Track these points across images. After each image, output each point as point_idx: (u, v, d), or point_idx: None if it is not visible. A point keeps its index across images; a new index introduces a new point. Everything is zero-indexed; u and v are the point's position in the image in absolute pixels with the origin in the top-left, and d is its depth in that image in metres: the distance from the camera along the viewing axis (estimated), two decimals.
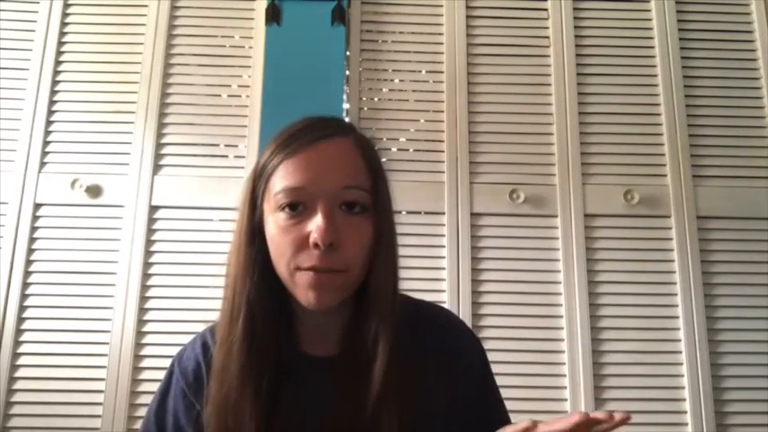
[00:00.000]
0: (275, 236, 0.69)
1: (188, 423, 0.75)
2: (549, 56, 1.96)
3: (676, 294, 1.80)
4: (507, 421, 0.77)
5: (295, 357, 0.73)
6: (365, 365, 0.69)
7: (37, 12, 1.93)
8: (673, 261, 1.82)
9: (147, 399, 1.68)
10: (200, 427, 0.72)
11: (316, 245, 0.65)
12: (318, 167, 0.68)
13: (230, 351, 0.69)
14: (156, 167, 1.84)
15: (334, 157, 0.69)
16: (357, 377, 0.69)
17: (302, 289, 0.68)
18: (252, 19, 1.96)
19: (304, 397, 0.72)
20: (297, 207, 0.67)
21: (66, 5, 1.94)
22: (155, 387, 1.80)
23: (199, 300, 1.75)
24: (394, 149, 1.90)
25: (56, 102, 1.88)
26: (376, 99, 1.95)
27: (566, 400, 1.72)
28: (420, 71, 1.97)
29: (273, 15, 1.93)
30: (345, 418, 0.67)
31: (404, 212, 1.81)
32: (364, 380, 0.68)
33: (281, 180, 0.68)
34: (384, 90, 1.95)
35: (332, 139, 0.70)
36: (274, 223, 0.69)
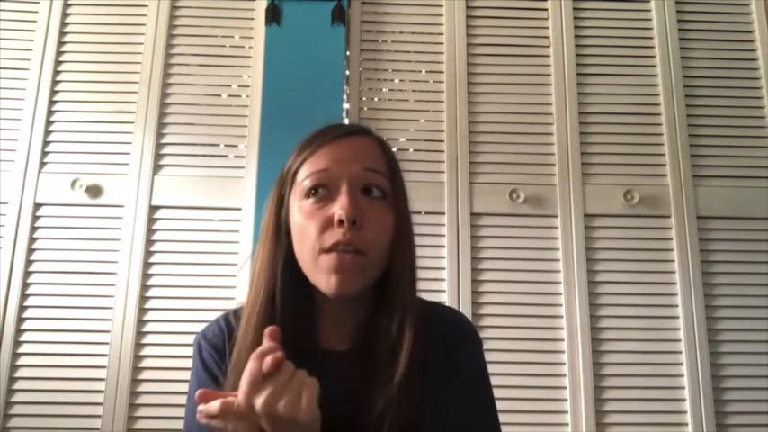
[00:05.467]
0: (300, 222, 0.73)
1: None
2: (549, 56, 1.96)
3: (676, 294, 1.79)
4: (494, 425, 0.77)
5: (313, 350, 0.75)
6: (387, 352, 0.71)
7: (37, 12, 1.93)
8: (673, 261, 1.82)
9: (148, 399, 1.68)
10: None
11: (340, 221, 0.69)
12: (342, 153, 0.74)
13: (251, 335, 0.72)
14: (156, 167, 1.84)
15: (356, 146, 0.76)
16: (372, 369, 0.71)
17: (324, 274, 0.71)
18: (252, 19, 1.96)
19: (321, 388, 0.73)
20: (320, 192, 0.72)
21: (66, 5, 1.94)
22: (155, 387, 1.81)
23: (199, 300, 1.75)
24: (394, 150, 1.89)
25: (56, 102, 1.88)
26: (376, 99, 1.95)
27: (566, 400, 1.72)
28: (420, 71, 1.97)
29: (273, 15, 1.93)
30: (358, 408, 0.69)
31: None
32: (384, 365, 0.70)
33: (307, 169, 0.74)
34: (384, 90, 1.95)
35: (354, 135, 0.78)
36: (300, 211, 0.73)
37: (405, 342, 0.70)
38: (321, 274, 0.71)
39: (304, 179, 0.73)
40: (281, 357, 0.59)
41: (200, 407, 0.59)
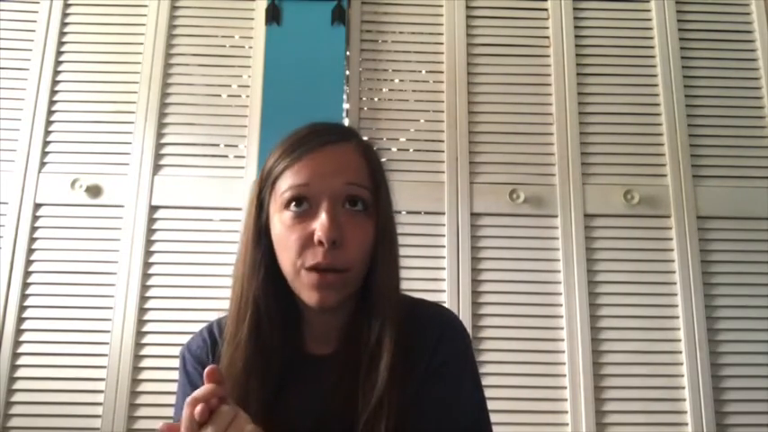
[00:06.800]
0: (281, 235, 0.72)
1: None
2: (549, 56, 1.96)
3: (676, 294, 1.79)
4: (479, 424, 0.77)
5: (299, 356, 0.76)
6: (366, 361, 0.71)
7: (37, 12, 1.93)
8: (673, 261, 1.82)
9: (148, 399, 1.69)
10: None
11: (320, 242, 0.69)
12: (323, 166, 0.72)
13: (238, 347, 0.72)
14: (156, 167, 1.84)
15: (337, 158, 0.73)
16: (356, 373, 0.71)
17: (306, 289, 0.71)
18: (252, 19, 1.96)
19: (306, 394, 0.74)
20: (302, 205, 0.71)
21: (66, 5, 1.94)
22: (155, 387, 1.82)
23: (199, 300, 1.75)
24: (394, 149, 1.90)
25: (56, 102, 1.88)
26: (376, 99, 1.95)
27: (566, 400, 1.72)
28: (420, 71, 1.97)
29: (273, 15, 1.93)
30: (344, 412, 0.69)
31: (404, 212, 1.81)
32: (365, 375, 0.70)
33: (288, 180, 0.72)
34: (384, 90, 1.95)
35: (336, 144, 0.74)
36: (280, 222, 0.72)
37: (384, 353, 0.70)
38: (303, 288, 0.71)
39: (284, 191, 0.71)
40: (215, 405, 0.58)
41: None
